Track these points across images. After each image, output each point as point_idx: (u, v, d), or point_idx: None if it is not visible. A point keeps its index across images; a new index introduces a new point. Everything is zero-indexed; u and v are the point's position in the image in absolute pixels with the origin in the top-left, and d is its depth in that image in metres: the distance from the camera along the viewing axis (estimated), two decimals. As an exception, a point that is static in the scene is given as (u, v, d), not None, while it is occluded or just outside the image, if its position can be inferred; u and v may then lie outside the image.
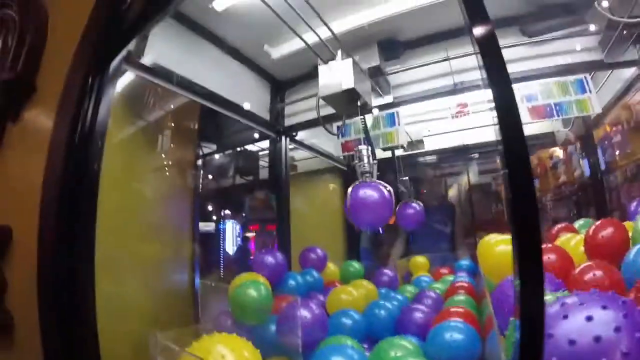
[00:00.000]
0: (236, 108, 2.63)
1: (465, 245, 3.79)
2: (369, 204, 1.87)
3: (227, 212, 5.17)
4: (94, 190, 1.49)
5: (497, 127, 0.76)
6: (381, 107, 2.89)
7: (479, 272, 2.34)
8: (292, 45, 2.51)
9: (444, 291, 2.44)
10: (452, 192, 4.51)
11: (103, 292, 1.92)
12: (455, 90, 2.55)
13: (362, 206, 1.88)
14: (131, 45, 1.56)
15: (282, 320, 1.69)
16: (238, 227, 5.30)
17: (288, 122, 3.15)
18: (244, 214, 5.32)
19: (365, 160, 2.02)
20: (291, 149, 3.25)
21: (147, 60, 1.84)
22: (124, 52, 1.48)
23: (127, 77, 1.85)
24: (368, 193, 1.89)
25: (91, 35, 1.49)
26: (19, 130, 1.72)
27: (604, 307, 0.64)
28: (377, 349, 1.60)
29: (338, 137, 3.20)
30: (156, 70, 1.92)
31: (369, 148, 2.06)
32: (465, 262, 3.06)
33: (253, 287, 1.69)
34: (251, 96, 2.80)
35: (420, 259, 3.22)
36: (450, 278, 2.74)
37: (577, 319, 0.64)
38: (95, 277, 1.49)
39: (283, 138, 3.09)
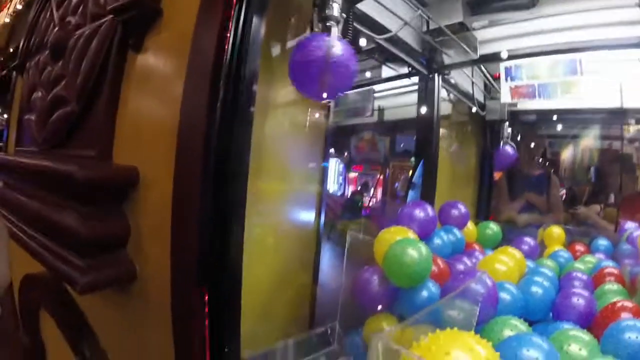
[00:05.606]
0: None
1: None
2: (318, 60, 1.38)
3: (331, 150, 5.10)
4: (248, 119, 1.26)
5: None
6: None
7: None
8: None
9: (587, 273, 2.12)
10: (566, 154, 3.94)
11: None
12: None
13: (307, 65, 1.41)
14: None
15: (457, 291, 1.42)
16: (341, 166, 5.20)
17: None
18: (347, 154, 5.21)
19: None
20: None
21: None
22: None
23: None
24: (318, 45, 1.40)
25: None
26: (143, 61, 1.55)
27: None
28: (553, 341, 1.33)
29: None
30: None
31: None
32: (602, 242, 2.67)
33: (412, 246, 1.50)
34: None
35: (557, 230, 2.77)
36: (591, 259, 2.37)
37: None
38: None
39: (436, 76, 2.68)
